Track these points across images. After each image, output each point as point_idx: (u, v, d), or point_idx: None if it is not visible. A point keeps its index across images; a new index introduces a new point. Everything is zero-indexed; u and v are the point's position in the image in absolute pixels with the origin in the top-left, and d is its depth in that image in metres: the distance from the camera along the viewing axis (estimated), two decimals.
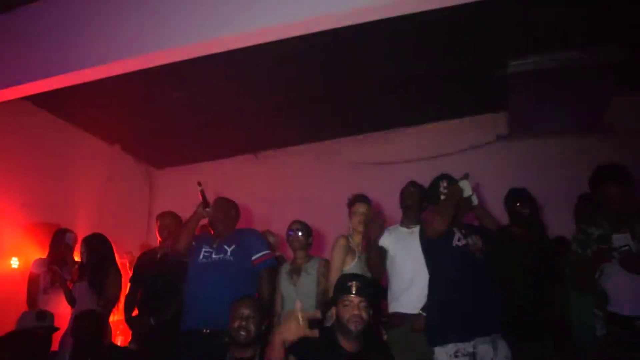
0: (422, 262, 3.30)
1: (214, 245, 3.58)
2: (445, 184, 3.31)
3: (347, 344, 2.73)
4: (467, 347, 2.94)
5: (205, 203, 3.61)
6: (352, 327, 2.68)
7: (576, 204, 3.84)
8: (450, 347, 2.95)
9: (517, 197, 3.65)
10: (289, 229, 3.87)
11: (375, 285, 3.37)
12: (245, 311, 2.85)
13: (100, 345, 3.13)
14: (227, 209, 3.71)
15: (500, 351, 3.01)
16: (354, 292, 2.74)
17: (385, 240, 3.55)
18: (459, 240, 3.16)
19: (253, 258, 3.56)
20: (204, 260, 3.54)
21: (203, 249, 3.59)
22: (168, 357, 3.50)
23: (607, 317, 2.94)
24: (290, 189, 6.49)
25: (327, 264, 3.66)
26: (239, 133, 6.37)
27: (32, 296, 4.12)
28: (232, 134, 6.37)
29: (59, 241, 4.32)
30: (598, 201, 3.10)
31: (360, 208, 3.65)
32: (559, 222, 4.04)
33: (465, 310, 3.00)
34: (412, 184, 3.69)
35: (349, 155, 6.41)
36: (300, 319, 2.28)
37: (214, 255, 3.54)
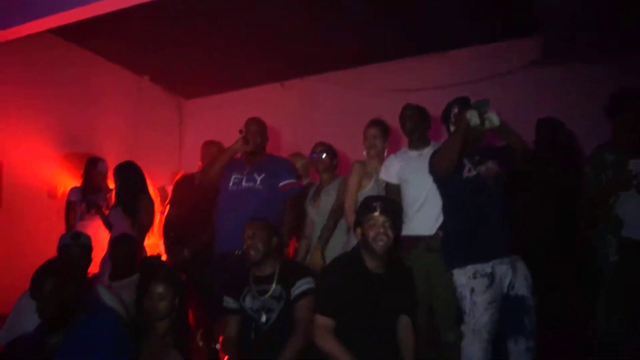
0: (433, 183, 3.30)
1: (245, 172, 3.62)
2: (455, 111, 3.23)
3: (372, 265, 2.80)
4: (486, 267, 2.96)
5: (246, 140, 3.61)
6: (376, 246, 2.74)
7: None
8: (469, 269, 2.98)
9: (546, 125, 3.60)
10: (312, 151, 3.91)
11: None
12: (249, 231, 2.98)
13: (135, 266, 3.29)
14: (262, 130, 3.74)
15: (519, 272, 3.04)
16: (378, 211, 2.78)
17: (393, 168, 3.52)
18: (469, 171, 3.08)
19: (280, 185, 3.61)
20: (234, 187, 3.60)
21: (233, 176, 3.64)
22: (204, 279, 3.69)
23: (621, 242, 2.94)
24: (317, 117, 6.49)
25: (346, 181, 3.67)
26: (266, 61, 6.32)
27: (70, 224, 4.32)
28: (259, 62, 6.32)
29: (92, 169, 4.47)
30: (614, 129, 3.06)
31: (371, 131, 3.66)
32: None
33: (481, 237, 3.01)
34: (406, 107, 3.57)
35: (376, 83, 6.32)
36: None
37: (243, 183, 3.59)
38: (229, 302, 3.01)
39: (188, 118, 7.51)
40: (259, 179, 3.58)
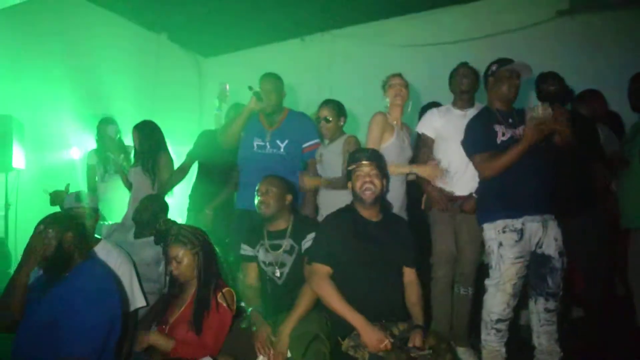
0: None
1: (267, 137, 3.58)
2: (494, 68, 3.17)
3: (366, 214, 2.81)
4: (516, 223, 2.97)
5: (258, 97, 3.53)
6: (364, 195, 2.76)
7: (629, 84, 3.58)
8: (499, 223, 3.00)
9: (543, 77, 3.58)
10: (318, 116, 3.78)
11: None
12: (263, 188, 2.97)
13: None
14: (277, 87, 3.63)
15: (550, 231, 3.02)
16: (364, 162, 2.80)
17: (435, 123, 3.49)
18: (503, 135, 3.06)
19: (303, 146, 3.62)
20: (258, 150, 3.59)
21: (255, 141, 3.61)
22: (225, 230, 3.76)
23: None
24: (338, 72, 6.38)
25: (351, 139, 3.59)
26: (286, 17, 6.18)
27: (91, 185, 4.35)
28: (279, 18, 6.19)
29: (104, 132, 4.47)
30: None
31: (395, 80, 3.57)
32: (621, 101, 3.83)
33: (515, 193, 2.99)
34: (464, 64, 3.51)
35: (397, 36, 6.15)
36: None
37: (267, 149, 3.57)
38: (247, 250, 3.04)
39: (207, 76, 7.43)
40: (282, 146, 3.57)
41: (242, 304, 2.91)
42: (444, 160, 3.40)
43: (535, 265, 3.03)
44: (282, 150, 3.57)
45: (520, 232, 2.96)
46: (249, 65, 6.83)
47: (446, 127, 3.44)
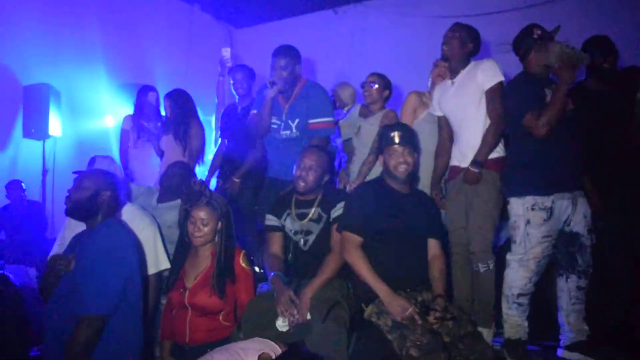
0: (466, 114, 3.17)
1: (282, 117, 3.51)
2: (539, 32, 2.97)
3: (397, 186, 2.81)
4: (546, 201, 2.87)
5: (272, 83, 3.43)
6: (397, 172, 2.76)
7: None
8: (528, 200, 2.89)
9: (599, 49, 3.31)
10: (364, 81, 3.82)
11: None
12: (307, 162, 2.90)
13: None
14: (289, 62, 3.42)
15: (579, 208, 2.94)
16: (397, 142, 2.78)
17: (435, 99, 3.41)
18: (573, 103, 2.93)
19: (309, 121, 3.46)
20: (275, 134, 3.55)
21: (272, 120, 3.54)
22: (253, 197, 3.81)
23: None
24: (371, 44, 6.29)
25: (390, 114, 3.62)
26: None
27: (124, 150, 4.43)
28: None
29: (143, 98, 4.52)
30: None
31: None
32: None
33: (545, 169, 2.89)
34: (451, 29, 3.23)
35: (433, 8, 6.01)
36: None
37: (281, 131, 3.51)
38: (272, 220, 3.04)
39: (239, 47, 7.43)
40: (293, 125, 3.47)
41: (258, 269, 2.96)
42: (459, 135, 3.29)
43: (564, 243, 2.96)
44: (293, 130, 3.47)
45: (550, 211, 2.86)
46: (281, 36, 6.82)
47: (441, 101, 3.33)
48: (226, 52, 4.44)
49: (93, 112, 5.52)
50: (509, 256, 2.99)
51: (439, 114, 3.39)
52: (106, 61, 5.43)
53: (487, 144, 3.08)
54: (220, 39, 7.29)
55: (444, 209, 3.28)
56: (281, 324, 2.57)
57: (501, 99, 3.04)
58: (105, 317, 2.24)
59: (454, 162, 3.27)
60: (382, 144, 2.86)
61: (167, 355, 2.69)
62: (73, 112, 5.32)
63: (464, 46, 3.19)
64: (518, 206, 2.94)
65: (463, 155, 3.18)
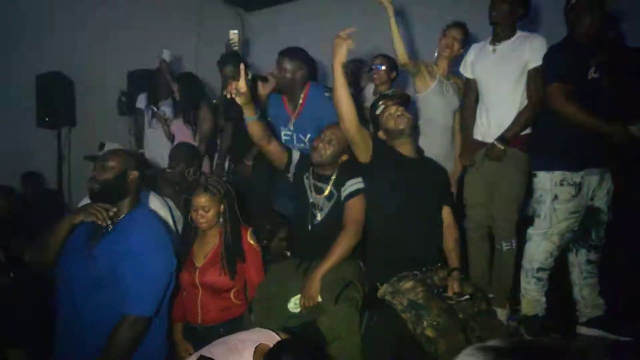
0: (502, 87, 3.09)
1: (291, 127, 3.40)
2: None
3: (405, 150, 2.78)
4: (575, 177, 2.80)
5: (263, 78, 3.39)
6: (400, 126, 2.75)
7: None
8: (557, 174, 2.82)
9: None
10: (372, 63, 3.78)
11: None
12: (328, 135, 2.85)
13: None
14: (294, 66, 3.29)
15: (604, 184, 2.89)
16: (388, 102, 2.83)
17: (468, 61, 3.30)
18: (595, 72, 2.82)
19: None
20: (290, 142, 3.43)
21: (282, 131, 3.44)
22: (266, 179, 3.72)
23: None
24: (383, 24, 6.16)
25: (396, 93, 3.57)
26: None
27: (138, 129, 4.45)
28: None
29: (157, 80, 4.51)
30: None
31: (451, 31, 3.45)
32: None
33: (579, 144, 2.80)
34: None
35: None
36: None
37: (295, 142, 3.41)
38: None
39: (250, 30, 7.36)
40: (306, 140, 3.36)
41: None
42: (481, 103, 3.21)
43: (583, 217, 2.90)
44: (306, 144, 3.34)
45: (579, 187, 2.80)
46: (292, 17, 6.76)
47: (476, 64, 3.22)
48: (234, 35, 4.39)
49: (106, 99, 5.52)
50: (530, 230, 2.93)
51: (470, 76, 3.28)
52: (117, 47, 5.42)
53: (520, 124, 3.01)
54: (231, 23, 7.23)
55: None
56: (293, 307, 2.56)
57: (542, 81, 2.93)
58: (151, 318, 2.22)
59: (477, 135, 3.19)
60: (374, 112, 2.87)
61: (180, 338, 2.70)
62: (86, 99, 5.32)
63: (513, 11, 3.06)
64: (546, 180, 2.86)
65: (489, 130, 3.10)
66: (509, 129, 3.00)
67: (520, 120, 3.00)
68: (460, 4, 5.02)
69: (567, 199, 2.80)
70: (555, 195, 2.82)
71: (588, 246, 2.92)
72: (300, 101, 3.36)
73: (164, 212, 2.93)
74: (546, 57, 2.92)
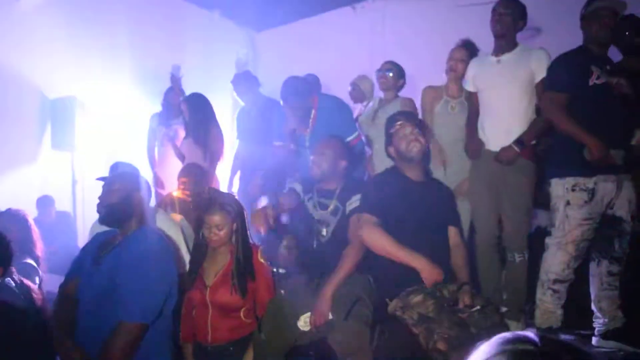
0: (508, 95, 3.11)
1: (306, 144, 3.47)
2: None
3: (412, 174, 2.76)
4: (587, 182, 2.77)
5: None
6: (411, 152, 2.71)
7: None
8: (569, 180, 2.81)
9: (633, 27, 3.21)
10: (379, 69, 3.80)
11: None
12: (319, 149, 2.93)
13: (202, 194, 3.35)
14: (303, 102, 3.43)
15: (624, 192, 2.83)
16: (404, 122, 2.79)
17: (469, 74, 3.34)
18: (597, 78, 2.81)
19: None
20: (302, 158, 3.50)
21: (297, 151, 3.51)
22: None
23: None
24: (390, 39, 6.21)
25: (407, 101, 3.62)
26: None
27: (151, 148, 4.50)
28: None
29: (171, 98, 4.57)
30: None
31: (455, 54, 3.49)
32: None
33: None
34: (501, 5, 3.14)
35: None
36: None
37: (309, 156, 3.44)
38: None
39: (261, 50, 7.45)
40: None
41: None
42: (485, 113, 3.23)
43: (603, 226, 2.86)
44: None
45: (592, 192, 2.76)
46: (301, 36, 6.83)
47: (479, 76, 3.26)
48: (243, 55, 4.47)
49: (120, 121, 5.59)
50: (547, 240, 2.90)
51: (472, 89, 3.32)
52: (129, 70, 5.51)
53: (536, 128, 3.05)
54: (242, 44, 7.33)
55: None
56: (303, 324, 2.54)
57: None
58: (146, 326, 2.22)
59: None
60: (389, 132, 2.83)
61: (190, 357, 2.69)
62: (100, 122, 5.39)
63: (516, 24, 3.13)
64: (558, 187, 2.85)
65: (492, 136, 3.13)
66: (526, 132, 3.04)
67: (537, 124, 3.04)
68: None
69: (579, 204, 2.77)
70: (567, 201, 2.80)
71: (610, 257, 2.87)
72: (312, 118, 3.42)
73: (173, 230, 2.95)
74: (548, 67, 2.98)
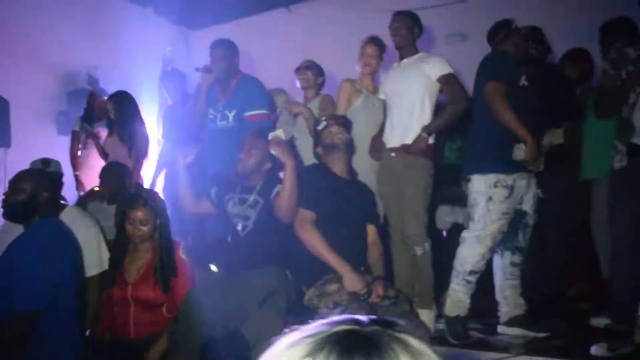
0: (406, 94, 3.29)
1: (219, 108, 3.54)
2: None
3: (338, 169, 2.91)
4: (508, 179, 2.92)
5: (208, 69, 3.53)
6: (337, 140, 2.89)
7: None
8: (491, 177, 2.94)
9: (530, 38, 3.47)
10: (299, 67, 3.87)
11: None
12: (247, 146, 2.98)
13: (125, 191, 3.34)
14: (226, 54, 3.57)
15: (531, 188, 3.04)
16: (330, 123, 2.97)
17: (381, 82, 3.56)
18: (525, 80, 3.03)
19: (245, 114, 3.48)
20: (212, 125, 3.57)
21: (210, 111, 3.57)
22: None
23: (630, 148, 2.78)
24: (323, 42, 6.29)
25: (327, 98, 3.71)
26: None
27: (74, 151, 4.42)
28: None
29: (93, 101, 4.51)
30: None
31: (367, 49, 3.61)
32: None
33: (511, 146, 2.93)
34: (396, 19, 3.39)
35: (383, 2, 6.04)
36: None
37: (218, 122, 3.54)
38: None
39: (195, 49, 7.40)
40: (230, 116, 3.50)
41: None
42: (388, 115, 3.40)
43: (511, 220, 3.03)
44: (230, 120, 3.50)
45: (511, 189, 2.93)
46: (236, 37, 6.77)
47: (385, 83, 3.48)
48: (169, 52, 4.46)
49: (44, 120, 5.44)
50: (464, 233, 3.03)
51: (382, 96, 3.50)
52: (55, 68, 5.38)
53: (445, 118, 3.23)
54: (176, 43, 7.25)
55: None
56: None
57: (459, 84, 3.23)
58: (34, 312, 2.23)
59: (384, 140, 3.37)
60: (317, 133, 2.97)
61: None
62: (23, 121, 5.23)
63: (412, 33, 3.34)
64: (480, 183, 2.97)
65: (392, 135, 3.29)
66: (434, 122, 3.22)
67: (446, 114, 3.25)
68: None
69: (500, 200, 2.93)
70: (489, 197, 2.93)
71: (513, 248, 3.05)
72: (232, 85, 3.54)
73: (82, 225, 2.94)
74: (485, 62, 3.11)
